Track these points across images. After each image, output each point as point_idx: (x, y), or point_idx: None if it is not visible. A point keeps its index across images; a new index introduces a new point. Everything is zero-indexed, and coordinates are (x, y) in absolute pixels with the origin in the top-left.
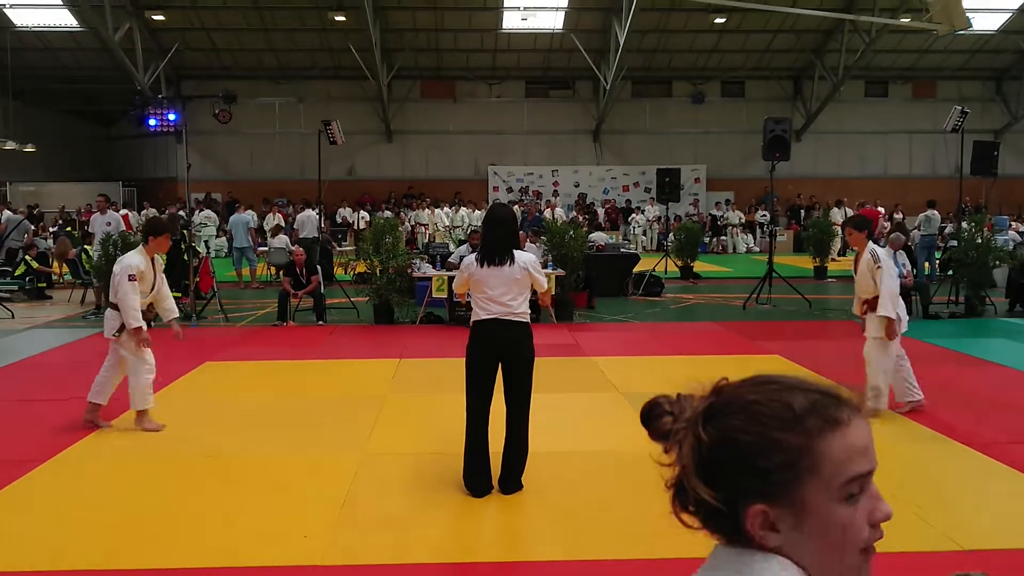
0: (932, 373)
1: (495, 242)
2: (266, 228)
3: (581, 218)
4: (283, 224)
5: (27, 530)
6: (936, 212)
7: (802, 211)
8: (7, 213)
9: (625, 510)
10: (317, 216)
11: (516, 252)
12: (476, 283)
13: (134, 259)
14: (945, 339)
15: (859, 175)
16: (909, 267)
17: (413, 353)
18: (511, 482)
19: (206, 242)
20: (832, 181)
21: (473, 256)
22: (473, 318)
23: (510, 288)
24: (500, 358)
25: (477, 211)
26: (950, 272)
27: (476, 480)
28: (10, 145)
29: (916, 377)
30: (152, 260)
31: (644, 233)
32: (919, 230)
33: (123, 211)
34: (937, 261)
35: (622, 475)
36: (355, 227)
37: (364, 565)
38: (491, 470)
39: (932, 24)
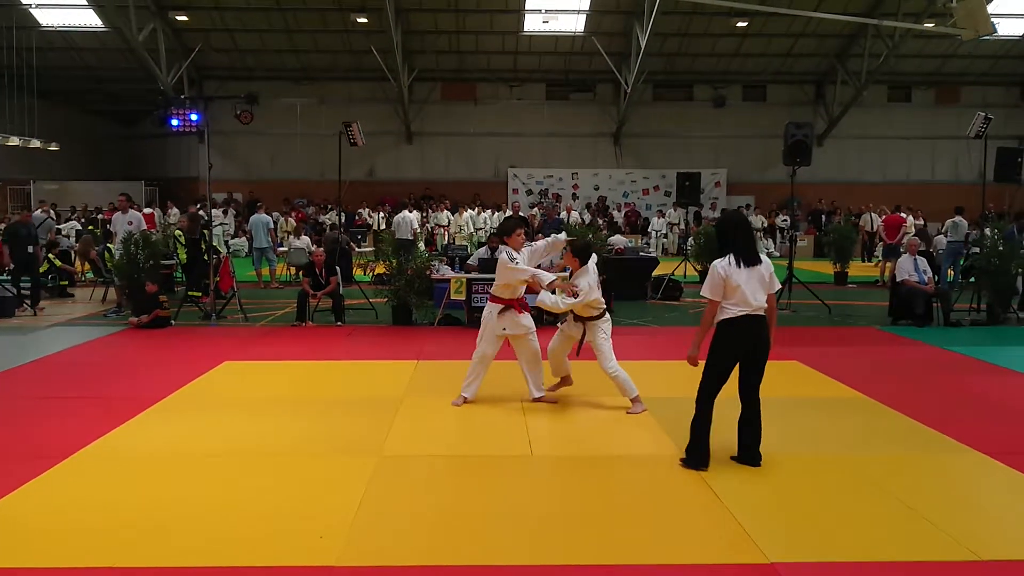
0: (953, 381)
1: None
2: (284, 231)
3: (601, 221)
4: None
5: (44, 527)
6: (963, 219)
7: (823, 216)
8: (37, 213)
9: (640, 516)
10: (413, 218)
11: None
12: None
13: None
14: (966, 347)
15: (881, 180)
16: (930, 273)
17: (431, 355)
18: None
19: (226, 241)
20: (854, 186)
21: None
22: None
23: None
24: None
25: (497, 213)
26: (972, 279)
27: None
28: (34, 143)
29: (937, 385)
30: None
31: (666, 236)
32: (945, 236)
33: (147, 209)
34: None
35: (635, 479)
36: (375, 228)
37: (379, 567)
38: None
39: (956, 29)
